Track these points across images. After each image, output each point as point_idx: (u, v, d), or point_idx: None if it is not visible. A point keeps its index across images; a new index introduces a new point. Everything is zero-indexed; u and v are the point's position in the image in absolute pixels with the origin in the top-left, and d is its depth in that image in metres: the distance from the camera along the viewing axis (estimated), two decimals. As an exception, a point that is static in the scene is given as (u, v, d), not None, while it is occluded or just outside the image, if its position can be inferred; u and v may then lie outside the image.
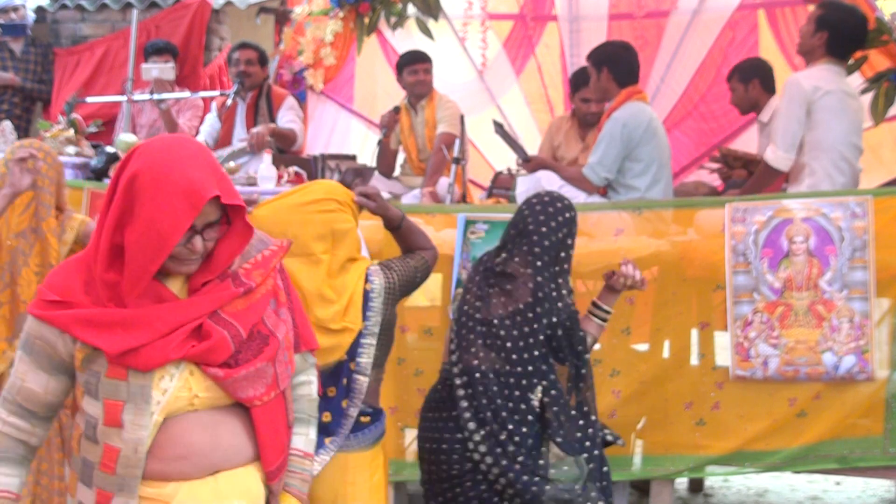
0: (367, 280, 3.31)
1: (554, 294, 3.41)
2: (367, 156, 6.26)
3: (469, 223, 4.51)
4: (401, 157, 6.63)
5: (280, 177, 5.39)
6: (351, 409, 3.26)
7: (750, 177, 5.19)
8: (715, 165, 5.74)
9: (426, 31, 6.56)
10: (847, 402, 4.26)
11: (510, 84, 7.36)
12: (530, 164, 5.34)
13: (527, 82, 7.35)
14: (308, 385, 2.48)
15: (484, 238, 4.49)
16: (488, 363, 3.38)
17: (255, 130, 5.91)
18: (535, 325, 3.38)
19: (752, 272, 4.26)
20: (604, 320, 3.57)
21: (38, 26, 7.62)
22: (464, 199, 5.35)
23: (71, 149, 5.65)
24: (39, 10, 7.66)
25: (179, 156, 2.11)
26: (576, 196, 5.06)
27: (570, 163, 5.79)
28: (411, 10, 6.46)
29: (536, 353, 3.38)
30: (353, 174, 5.33)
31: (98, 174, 5.44)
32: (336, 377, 3.26)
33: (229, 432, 2.20)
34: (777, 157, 4.64)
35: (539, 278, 3.40)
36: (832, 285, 4.21)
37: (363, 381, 3.28)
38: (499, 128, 5.54)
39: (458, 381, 3.40)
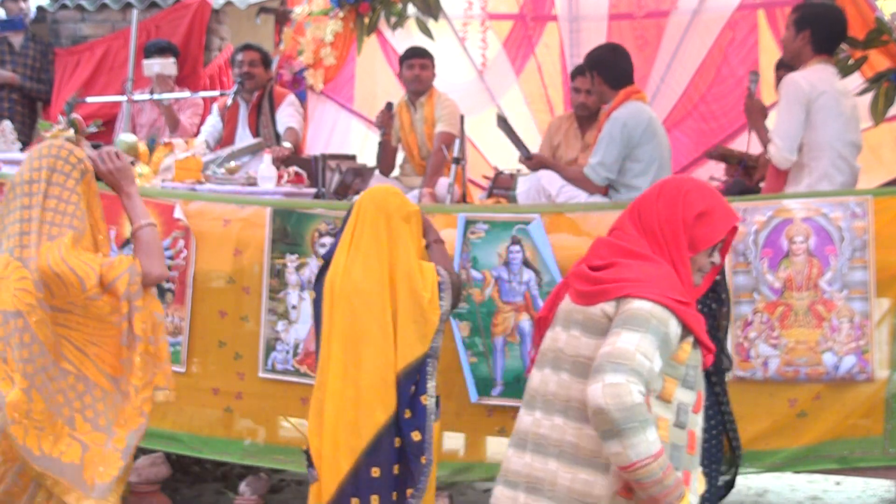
0: (436, 272, 3.40)
1: None
2: (367, 156, 6.27)
3: (469, 223, 4.51)
4: (400, 157, 6.63)
5: (280, 177, 5.39)
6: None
7: (746, 176, 5.21)
8: (719, 167, 5.74)
9: (426, 31, 6.55)
10: (847, 403, 4.26)
11: (510, 84, 7.36)
12: (532, 161, 5.34)
13: (527, 82, 7.35)
14: None
15: (484, 238, 4.49)
16: None
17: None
18: None
19: (751, 272, 4.26)
20: None
21: (38, 26, 7.62)
22: (464, 199, 5.35)
23: (71, 149, 5.65)
24: (39, 10, 7.67)
25: None
26: (577, 196, 5.06)
27: (570, 162, 5.78)
28: (411, 10, 6.46)
29: None
30: (353, 174, 5.34)
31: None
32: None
33: None
34: (782, 158, 4.61)
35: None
36: (832, 285, 4.21)
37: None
38: (501, 122, 5.49)
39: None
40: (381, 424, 3.25)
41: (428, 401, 3.31)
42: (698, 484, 2.61)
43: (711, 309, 3.67)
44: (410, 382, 3.28)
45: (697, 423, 2.57)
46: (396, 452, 3.27)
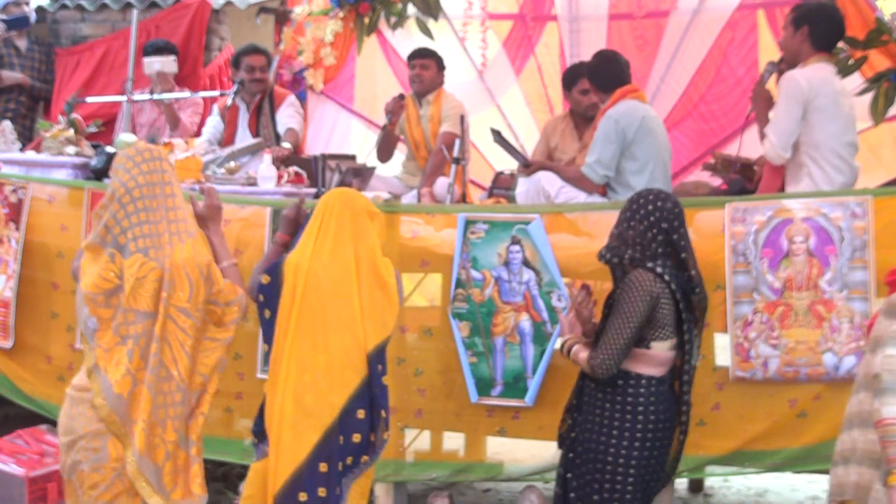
0: (391, 267, 3.60)
1: None
2: (367, 156, 6.26)
3: (469, 223, 4.51)
4: (401, 156, 6.62)
5: (280, 177, 5.39)
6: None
7: (745, 179, 5.21)
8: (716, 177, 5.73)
9: (426, 31, 6.56)
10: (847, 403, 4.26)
11: (510, 84, 7.36)
12: (530, 169, 5.35)
13: (526, 82, 7.35)
14: None
15: (484, 238, 4.50)
16: None
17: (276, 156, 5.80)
18: None
19: (751, 272, 4.26)
20: None
21: (38, 26, 7.60)
22: (464, 199, 5.35)
23: (71, 149, 5.66)
24: (39, 10, 7.65)
25: None
26: (576, 196, 5.07)
27: (568, 163, 5.78)
28: (411, 10, 6.46)
29: None
30: (353, 174, 5.34)
31: (98, 174, 5.42)
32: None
33: None
34: (776, 155, 4.63)
35: None
36: (832, 285, 4.21)
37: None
38: (497, 136, 5.55)
39: None
40: (351, 392, 3.43)
41: (386, 381, 3.54)
42: None
43: (688, 299, 3.70)
44: (378, 361, 3.47)
45: None
46: (360, 423, 3.45)
